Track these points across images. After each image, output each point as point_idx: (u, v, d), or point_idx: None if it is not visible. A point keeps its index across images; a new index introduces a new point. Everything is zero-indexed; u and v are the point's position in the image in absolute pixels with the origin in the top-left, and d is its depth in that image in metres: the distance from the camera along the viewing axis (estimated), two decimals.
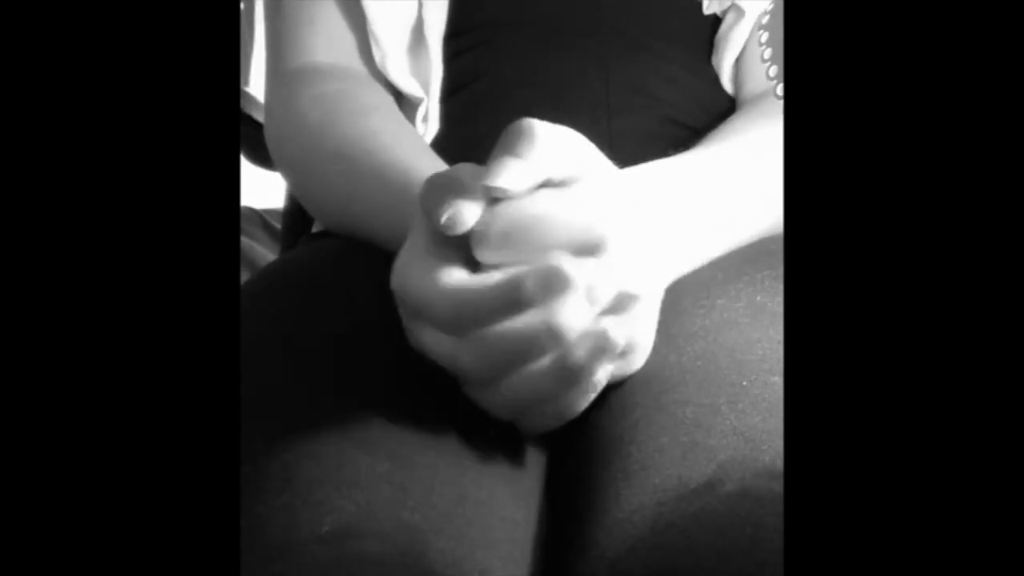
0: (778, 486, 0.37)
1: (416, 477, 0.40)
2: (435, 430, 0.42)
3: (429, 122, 0.64)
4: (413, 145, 0.57)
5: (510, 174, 0.39)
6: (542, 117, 0.43)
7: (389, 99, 0.63)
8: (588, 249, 0.40)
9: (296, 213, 0.94)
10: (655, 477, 0.39)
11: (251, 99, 0.98)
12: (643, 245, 0.42)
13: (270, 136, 0.64)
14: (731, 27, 0.64)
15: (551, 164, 0.41)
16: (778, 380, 0.42)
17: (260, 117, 0.94)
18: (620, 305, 0.41)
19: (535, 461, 0.45)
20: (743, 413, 0.41)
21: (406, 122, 0.61)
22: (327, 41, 0.64)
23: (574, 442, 0.44)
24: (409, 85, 0.64)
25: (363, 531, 0.37)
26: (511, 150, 0.40)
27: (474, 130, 0.62)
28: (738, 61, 0.65)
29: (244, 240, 1.34)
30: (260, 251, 1.35)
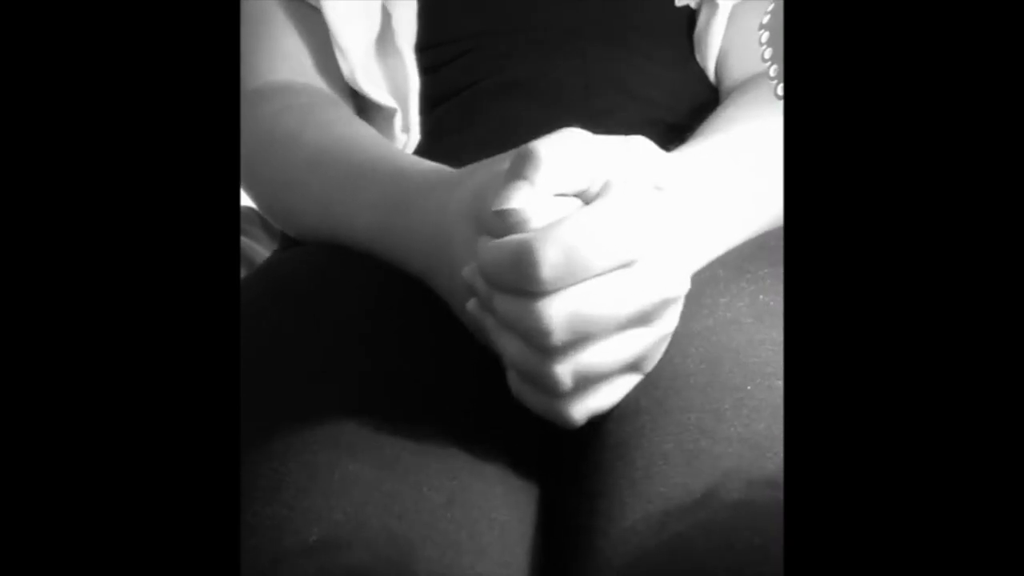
0: (783, 494, 0.37)
1: (405, 482, 0.40)
2: (426, 433, 0.42)
3: (411, 132, 0.64)
4: (389, 147, 0.57)
5: (520, 197, 0.39)
6: (525, 122, 0.42)
7: (351, 112, 0.64)
8: (626, 264, 0.39)
9: None
10: (660, 485, 0.39)
11: None
12: (676, 251, 0.42)
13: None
14: (708, 22, 0.64)
15: (566, 180, 0.40)
16: (782, 384, 0.42)
17: None
18: (655, 314, 0.41)
19: (530, 459, 0.45)
20: (748, 419, 0.40)
21: (374, 130, 0.61)
22: (284, 60, 0.64)
23: (575, 445, 0.44)
24: (381, 96, 0.63)
25: (351, 541, 0.37)
26: (518, 173, 0.40)
27: (459, 141, 0.62)
28: (719, 53, 0.65)
29: (244, 240, 1.34)
30: (260, 251, 1.35)
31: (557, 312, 0.38)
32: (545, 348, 0.39)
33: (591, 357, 0.40)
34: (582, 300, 0.38)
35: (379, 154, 0.55)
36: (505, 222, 0.39)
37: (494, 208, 0.39)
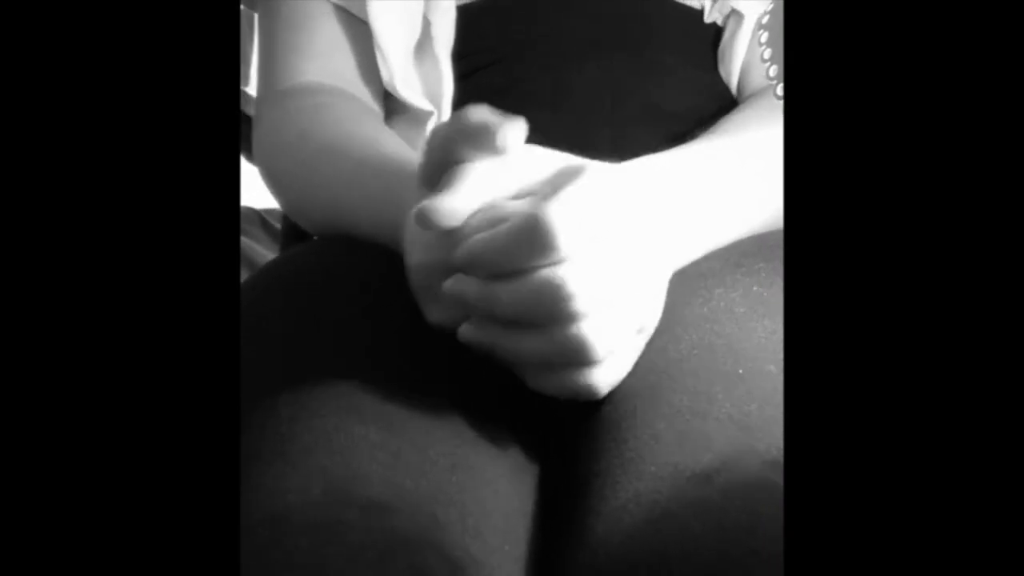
0: (774, 475, 0.37)
1: (410, 446, 0.40)
2: (430, 404, 0.43)
3: None
4: (396, 143, 0.58)
5: (442, 212, 0.41)
6: (551, 133, 0.43)
7: (371, 111, 0.65)
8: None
9: None
10: (651, 465, 0.39)
11: (251, 99, 0.98)
12: (628, 245, 0.42)
13: (260, 157, 0.64)
14: (733, 35, 0.66)
15: (491, 189, 0.42)
16: (774, 369, 0.43)
17: None
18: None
19: (529, 438, 0.45)
20: (740, 401, 0.41)
21: (386, 127, 0.62)
22: (315, 61, 0.65)
23: (570, 428, 0.44)
24: (418, 100, 0.64)
25: (354, 496, 0.37)
26: (445, 184, 0.41)
27: None
28: (742, 65, 0.66)
29: (244, 240, 1.35)
30: (260, 251, 1.35)
31: (574, 276, 0.39)
32: (571, 314, 0.39)
33: (612, 318, 0.41)
34: (592, 263, 0.39)
35: (382, 149, 0.56)
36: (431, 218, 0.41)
37: (430, 218, 0.41)
